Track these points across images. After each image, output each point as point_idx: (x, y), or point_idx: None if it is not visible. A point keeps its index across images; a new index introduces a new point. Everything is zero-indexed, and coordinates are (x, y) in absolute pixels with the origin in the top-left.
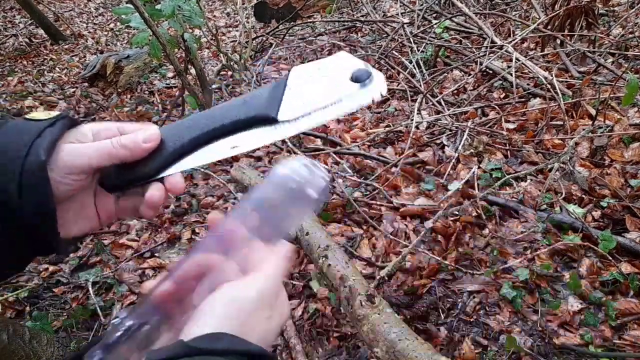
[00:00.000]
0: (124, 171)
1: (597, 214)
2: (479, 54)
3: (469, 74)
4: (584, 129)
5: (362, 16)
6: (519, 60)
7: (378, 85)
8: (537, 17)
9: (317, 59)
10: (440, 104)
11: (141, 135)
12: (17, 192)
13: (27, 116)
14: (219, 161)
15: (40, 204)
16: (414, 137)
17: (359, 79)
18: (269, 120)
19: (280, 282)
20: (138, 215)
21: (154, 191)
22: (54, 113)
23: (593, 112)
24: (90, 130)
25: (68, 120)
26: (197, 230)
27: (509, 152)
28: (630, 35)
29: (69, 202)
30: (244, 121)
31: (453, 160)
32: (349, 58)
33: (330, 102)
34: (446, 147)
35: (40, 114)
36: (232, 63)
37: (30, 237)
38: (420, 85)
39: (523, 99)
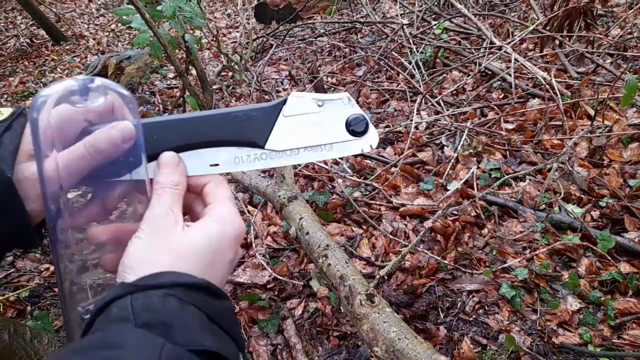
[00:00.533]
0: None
1: (595, 213)
2: (478, 54)
3: (468, 75)
4: (582, 129)
5: (362, 17)
6: (518, 61)
7: (370, 138)
8: (536, 18)
9: (316, 59)
10: (439, 104)
11: (119, 135)
12: None
13: None
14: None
15: (13, 222)
16: (413, 137)
17: (354, 130)
18: (257, 145)
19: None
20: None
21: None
22: (6, 111)
23: (592, 112)
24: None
25: (24, 118)
26: None
27: (508, 152)
28: (629, 36)
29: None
30: (230, 142)
31: (452, 161)
32: (349, 102)
33: (320, 144)
34: (445, 147)
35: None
36: (232, 64)
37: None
38: (420, 86)
39: (522, 100)
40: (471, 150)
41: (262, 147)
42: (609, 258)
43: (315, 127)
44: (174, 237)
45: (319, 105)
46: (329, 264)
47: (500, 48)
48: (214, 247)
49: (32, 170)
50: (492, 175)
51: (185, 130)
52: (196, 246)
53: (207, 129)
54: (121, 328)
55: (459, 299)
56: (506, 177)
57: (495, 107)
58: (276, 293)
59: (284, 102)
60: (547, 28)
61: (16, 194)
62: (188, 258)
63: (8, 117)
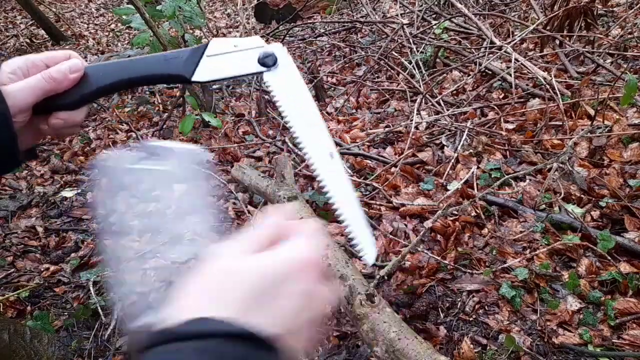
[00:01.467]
0: (52, 100)
1: (596, 213)
2: (478, 54)
3: (468, 75)
4: (582, 129)
5: (362, 17)
6: (518, 61)
7: (282, 70)
8: (536, 17)
9: (316, 59)
10: (439, 104)
11: (66, 65)
12: None
13: None
14: (220, 161)
15: (4, 144)
16: (413, 137)
17: (265, 63)
18: (184, 80)
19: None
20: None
21: (78, 114)
22: None
23: (592, 112)
24: (19, 68)
25: None
26: None
27: (508, 152)
28: (629, 36)
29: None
30: (163, 76)
31: (452, 160)
32: (261, 41)
33: (234, 74)
34: (445, 147)
35: None
36: None
37: None
38: (420, 86)
39: (522, 100)
40: (471, 150)
41: (189, 80)
42: (609, 258)
43: (232, 63)
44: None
45: (235, 46)
46: (329, 264)
47: (500, 48)
48: (268, 279)
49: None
50: (492, 175)
51: (124, 68)
52: (241, 277)
53: (143, 66)
54: None
55: (459, 299)
56: (506, 177)
57: (495, 107)
58: None
59: (207, 45)
60: (548, 28)
61: (7, 117)
62: (230, 298)
63: None
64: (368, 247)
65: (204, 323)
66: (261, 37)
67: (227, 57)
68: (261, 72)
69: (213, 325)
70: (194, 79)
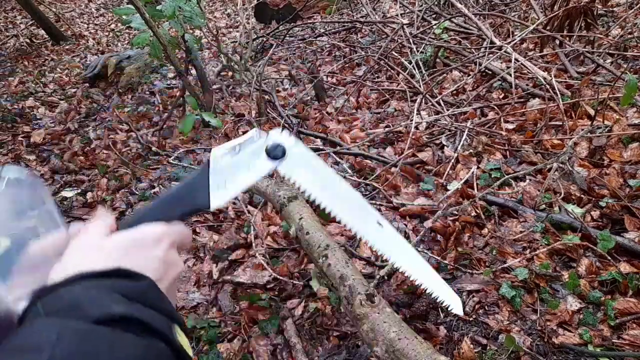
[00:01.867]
0: None
1: (596, 213)
2: (478, 54)
3: (468, 75)
4: (582, 129)
5: (362, 17)
6: (518, 61)
7: (294, 156)
8: (536, 17)
9: (316, 59)
10: (439, 104)
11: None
12: None
13: None
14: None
15: None
16: (413, 137)
17: (275, 156)
18: (203, 209)
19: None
20: None
21: None
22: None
23: (592, 112)
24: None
25: None
26: (197, 230)
27: (508, 152)
28: (629, 36)
29: None
30: (184, 215)
31: (452, 160)
32: (259, 136)
33: (251, 182)
34: (445, 147)
35: None
36: (232, 64)
37: None
38: (420, 86)
39: (522, 100)
40: (471, 150)
41: (208, 208)
42: (609, 258)
43: (242, 169)
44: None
45: (237, 149)
46: (329, 264)
47: (500, 48)
48: (127, 243)
49: None
50: (492, 175)
51: (145, 217)
52: (106, 243)
53: (159, 213)
54: (31, 324)
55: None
56: (506, 177)
57: (495, 107)
58: (276, 293)
59: (209, 160)
60: (548, 28)
61: None
62: (99, 255)
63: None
64: (452, 300)
65: (85, 273)
66: (261, 36)
67: (234, 165)
68: (275, 168)
69: (92, 272)
70: (213, 206)
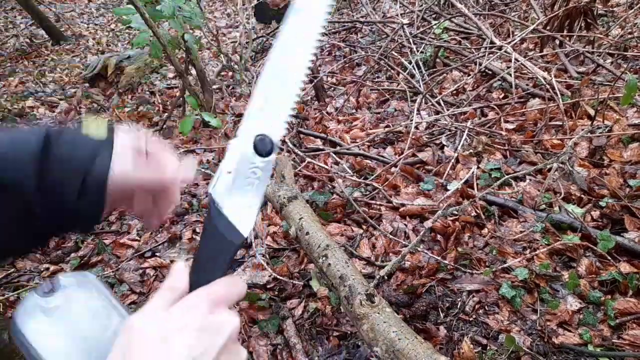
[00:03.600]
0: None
1: (596, 213)
2: (478, 54)
3: (469, 75)
4: (582, 129)
5: (362, 17)
6: (518, 61)
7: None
8: (536, 17)
9: (316, 59)
10: (439, 104)
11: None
12: (76, 197)
13: (83, 129)
14: (220, 161)
15: (94, 211)
16: (413, 137)
17: (261, 153)
18: (245, 243)
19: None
20: (146, 221)
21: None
22: (102, 124)
23: (592, 112)
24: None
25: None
26: (197, 230)
27: (508, 152)
28: (629, 36)
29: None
30: (228, 261)
31: (452, 160)
32: (238, 144)
33: (263, 197)
34: (445, 147)
35: (92, 124)
36: (232, 64)
37: (73, 223)
38: (420, 86)
39: (522, 100)
40: (471, 150)
41: (245, 238)
42: (609, 258)
43: (247, 187)
44: None
45: (229, 172)
46: (329, 264)
47: (500, 48)
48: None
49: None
50: (492, 175)
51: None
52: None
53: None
54: None
55: (459, 299)
56: (506, 177)
57: (495, 107)
58: (276, 293)
59: (214, 204)
60: (548, 28)
61: (104, 193)
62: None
63: (106, 135)
64: None
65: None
66: (261, 36)
67: (237, 189)
68: (271, 160)
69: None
70: (246, 233)
